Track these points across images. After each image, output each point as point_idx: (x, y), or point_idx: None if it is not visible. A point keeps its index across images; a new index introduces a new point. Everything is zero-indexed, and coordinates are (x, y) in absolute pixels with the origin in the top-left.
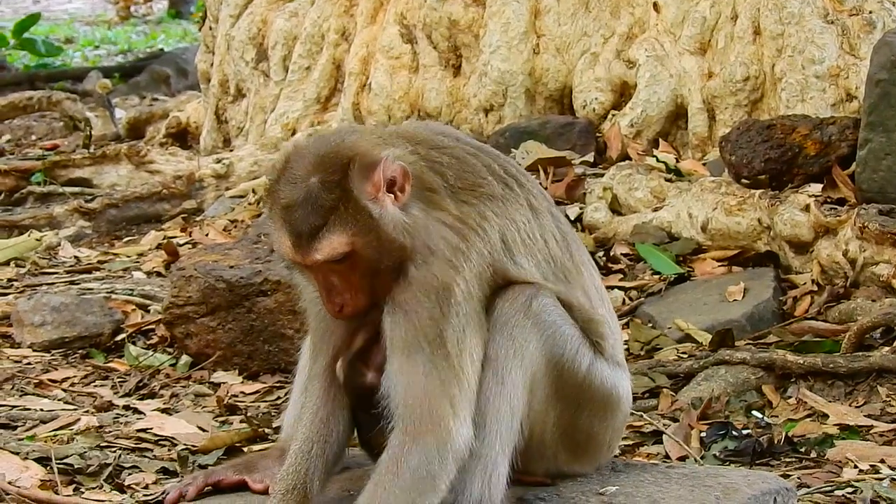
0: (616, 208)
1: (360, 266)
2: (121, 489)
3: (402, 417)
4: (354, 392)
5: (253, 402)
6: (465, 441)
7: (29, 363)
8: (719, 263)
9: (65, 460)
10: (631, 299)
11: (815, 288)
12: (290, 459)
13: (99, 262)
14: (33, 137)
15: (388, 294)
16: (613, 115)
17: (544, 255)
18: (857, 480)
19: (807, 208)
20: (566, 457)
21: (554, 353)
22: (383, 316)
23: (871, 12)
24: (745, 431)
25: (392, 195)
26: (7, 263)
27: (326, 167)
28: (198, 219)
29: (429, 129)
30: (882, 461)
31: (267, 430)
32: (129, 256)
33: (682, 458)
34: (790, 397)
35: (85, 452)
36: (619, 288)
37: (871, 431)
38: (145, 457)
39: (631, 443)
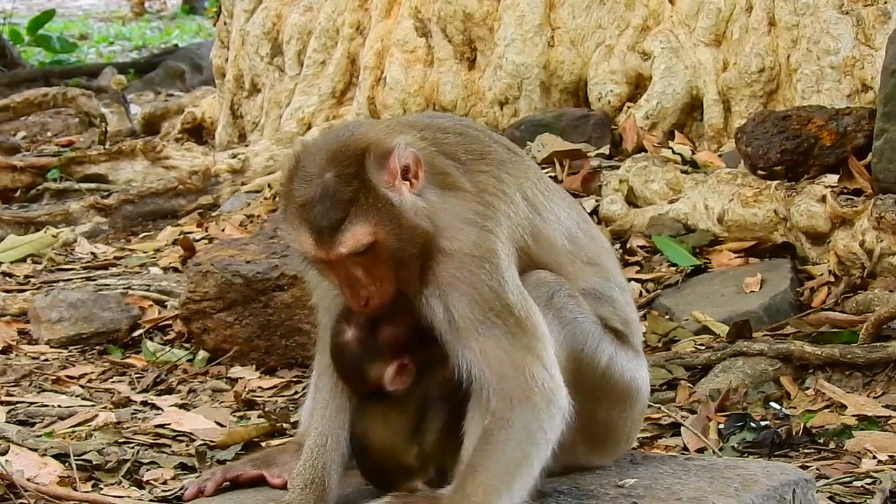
0: (632, 200)
1: (383, 256)
2: (139, 485)
3: (505, 390)
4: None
5: (270, 397)
6: (565, 396)
7: (46, 359)
8: (736, 255)
9: (83, 456)
10: (648, 291)
11: (832, 279)
12: (306, 454)
13: (115, 257)
14: (49, 134)
15: (416, 281)
16: (629, 108)
17: (564, 203)
18: (876, 471)
19: (823, 199)
20: (584, 449)
21: (574, 348)
22: (426, 301)
23: (885, 2)
24: (763, 423)
25: (408, 182)
26: (24, 260)
27: (341, 161)
28: (214, 214)
29: (427, 116)
30: None
31: (285, 425)
32: (145, 252)
33: (701, 450)
34: (808, 388)
35: (103, 448)
36: (636, 280)
37: (889, 422)
38: (163, 452)
39: (649, 435)
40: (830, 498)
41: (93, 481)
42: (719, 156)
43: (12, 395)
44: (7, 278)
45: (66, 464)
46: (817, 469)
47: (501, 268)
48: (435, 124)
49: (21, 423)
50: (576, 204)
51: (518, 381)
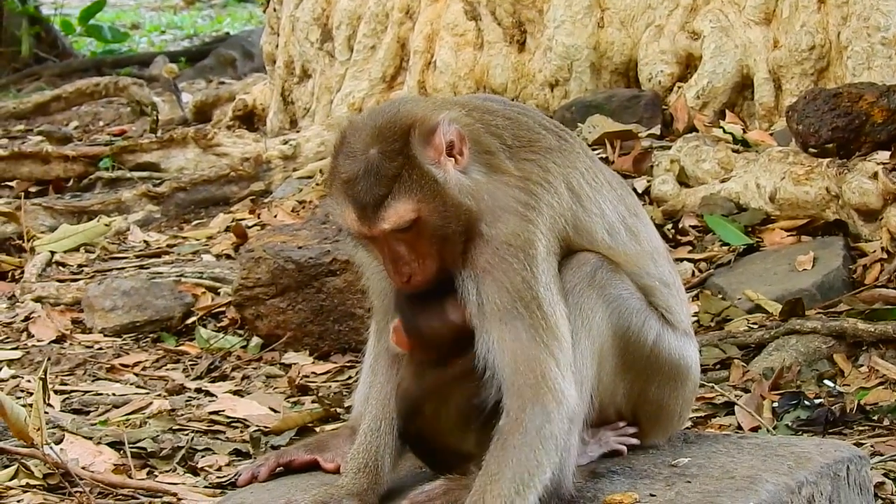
0: (684, 180)
1: (426, 233)
2: (194, 471)
3: (516, 384)
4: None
5: (324, 382)
6: (574, 400)
7: (100, 348)
8: (788, 233)
9: (138, 444)
10: (700, 271)
11: (885, 255)
12: (361, 438)
13: (168, 245)
14: (101, 123)
15: (459, 259)
16: (679, 87)
17: (612, 195)
18: None
19: (875, 176)
20: (636, 428)
21: (620, 325)
22: (462, 282)
23: None
24: (817, 401)
25: (452, 159)
26: (77, 249)
27: (386, 137)
28: (266, 200)
29: (476, 97)
30: None
31: (338, 410)
32: (197, 239)
33: (755, 429)
34: (862, 366)
35: (158, 436)
36: (689, 260)
37: None
38: (218, 439)
39: (703, 414)
40: (885, 474)
41: (147, 469)
42: (770, 134)
43: (67, 384)
44: (60, 268)
45: (121, 451)
46: (872, 446)
47: (537, 260)
48: (483, 105)
49: (76, 411)
50: (627, 195)
51: (529, 378)
